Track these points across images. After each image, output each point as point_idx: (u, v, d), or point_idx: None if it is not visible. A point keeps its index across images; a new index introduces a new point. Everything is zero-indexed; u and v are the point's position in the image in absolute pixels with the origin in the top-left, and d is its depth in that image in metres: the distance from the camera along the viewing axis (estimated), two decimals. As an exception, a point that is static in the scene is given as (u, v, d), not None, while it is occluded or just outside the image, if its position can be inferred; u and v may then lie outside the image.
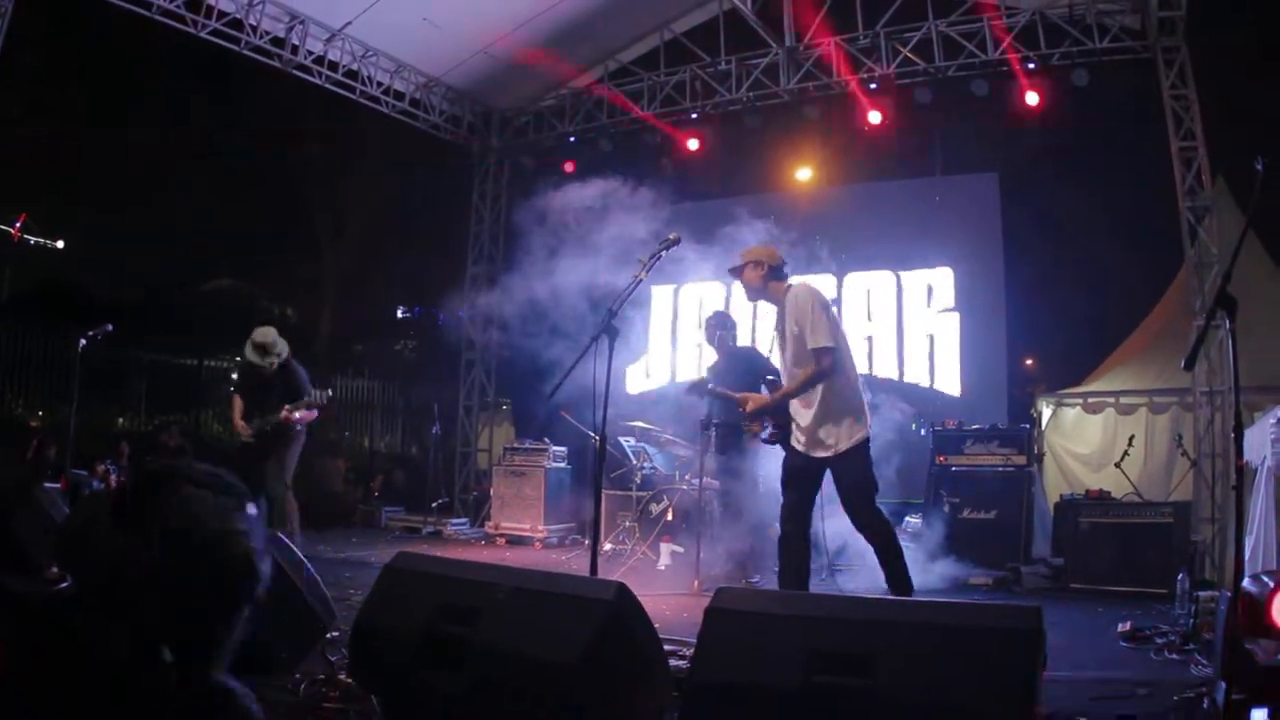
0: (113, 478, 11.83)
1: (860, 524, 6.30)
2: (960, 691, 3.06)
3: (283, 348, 8.57)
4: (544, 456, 12.22)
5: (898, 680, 3.13)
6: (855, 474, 6.25)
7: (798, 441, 6.41)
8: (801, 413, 6.37)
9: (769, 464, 9.48)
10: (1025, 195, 12.50)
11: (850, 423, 6.26)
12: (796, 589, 6.14)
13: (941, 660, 3.13)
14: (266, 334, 8.56)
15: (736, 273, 6.76)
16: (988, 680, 3.05)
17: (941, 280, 12.50)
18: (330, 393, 8.67)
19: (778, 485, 9.55)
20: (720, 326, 9.50)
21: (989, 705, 3.01)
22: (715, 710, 3.46)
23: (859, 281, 12.99)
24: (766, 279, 6.59)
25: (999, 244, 12.32)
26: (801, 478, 6.41)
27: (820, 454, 6.27)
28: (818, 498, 6.58)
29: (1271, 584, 4.03)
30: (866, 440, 6.32)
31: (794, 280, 6.66)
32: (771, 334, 7.04)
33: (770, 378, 8.86)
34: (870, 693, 3.13)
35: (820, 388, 6.23)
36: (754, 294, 6.77)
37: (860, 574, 8.74)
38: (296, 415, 8.38)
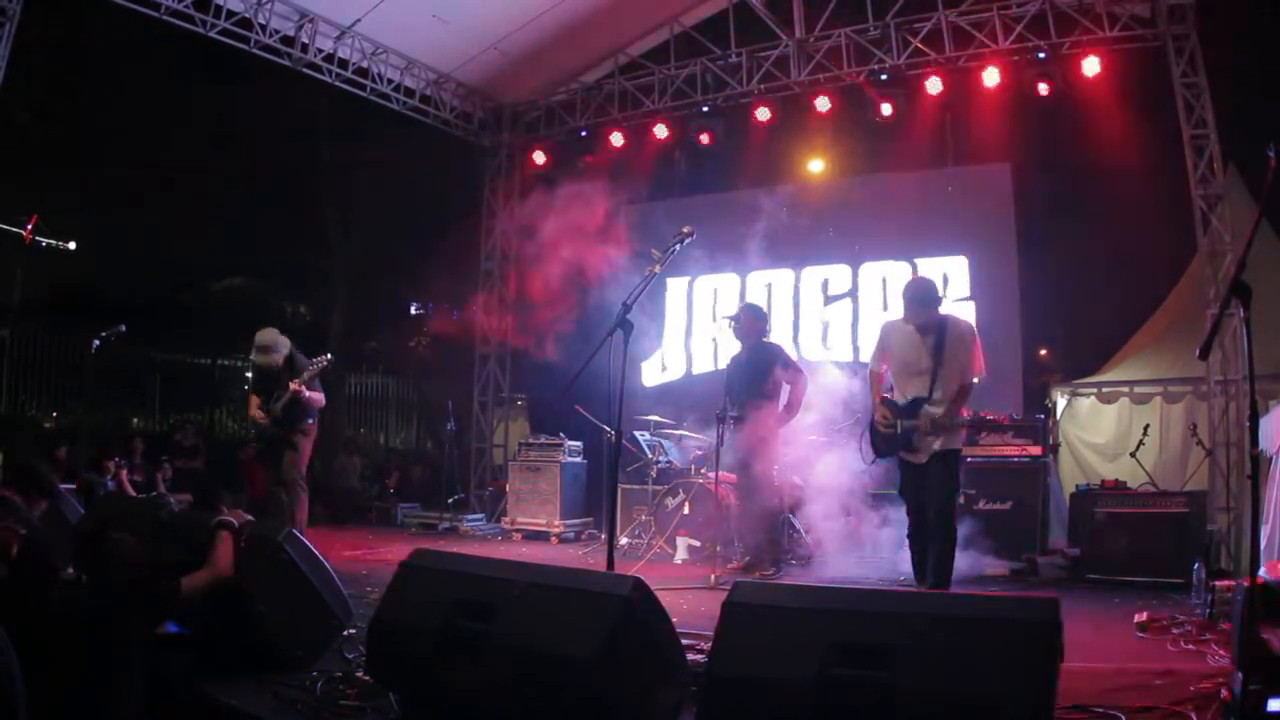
0: (123, 474, 11.89)
1: (934, 522, 6.97)
2: (978, 683, 3.06)
3: (284, 345, 9.01)
4: (559, 451, 12.23)
5: (915, 673, 3.13)
6: (951, 475, 7.08)
7: (911, 452, 7.18)
8: (936, 409, 7.12)
9: (784, 458, 9.51)
10: (1037, 185, 12.44)
11: (961, 431, 7.38)
12: (920, 574, 7.13)
13: (959, 652, 3.13)
14: (266, 335, 9.05)
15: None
16: (1005, 672, 3.05)
17: (957, 269, 12.43)
18: (329, 356, 9.00)
19: (793, 479, 9.61)
20: (756, 320, 9.45)
21: (1007, 697, 3.01)
22: (733, 704, 3.47)
23: (875, 271, 12.93)
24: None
25: (1012, 234, 12.25)
26: (917, 483, 7.20)
27: (938, 447, 7.05)
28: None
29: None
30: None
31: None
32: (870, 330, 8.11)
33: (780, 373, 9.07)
34: (887, 685, 3.13)
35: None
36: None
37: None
38: (305, 392, 8.75)
